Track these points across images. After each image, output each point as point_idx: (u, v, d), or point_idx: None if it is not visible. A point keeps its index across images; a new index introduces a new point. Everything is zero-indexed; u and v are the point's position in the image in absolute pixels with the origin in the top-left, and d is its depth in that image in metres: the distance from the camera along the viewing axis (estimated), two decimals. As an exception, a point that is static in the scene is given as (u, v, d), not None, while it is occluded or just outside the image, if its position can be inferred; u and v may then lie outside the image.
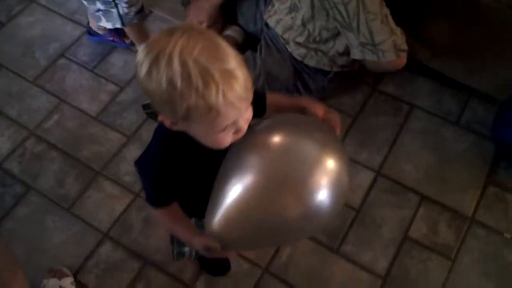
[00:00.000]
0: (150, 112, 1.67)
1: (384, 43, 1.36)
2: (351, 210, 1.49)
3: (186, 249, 1.16)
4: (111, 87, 1.77)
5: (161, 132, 0.82)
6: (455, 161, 1.59)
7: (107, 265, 1.41)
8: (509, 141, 1.49)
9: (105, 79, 1.79)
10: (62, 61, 1.83)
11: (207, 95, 0.67)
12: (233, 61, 0.69)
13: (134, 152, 1.61)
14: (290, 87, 1.61)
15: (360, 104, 1.71)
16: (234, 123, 0.73)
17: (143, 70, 0.70)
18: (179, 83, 0.66)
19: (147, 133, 1.65)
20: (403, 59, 1.42)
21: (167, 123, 0.75)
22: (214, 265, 1.40)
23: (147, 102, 1.66)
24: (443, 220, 1.48)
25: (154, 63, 0.68)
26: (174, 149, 0.81)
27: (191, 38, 0.68)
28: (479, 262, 1.41)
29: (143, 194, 1.53)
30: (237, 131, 0.75)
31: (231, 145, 0.78)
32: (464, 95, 1.72)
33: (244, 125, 0.75)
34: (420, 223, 1.48)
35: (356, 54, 1.43)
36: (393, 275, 1.39)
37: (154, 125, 1.62)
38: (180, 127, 0.75)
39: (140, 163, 0.86)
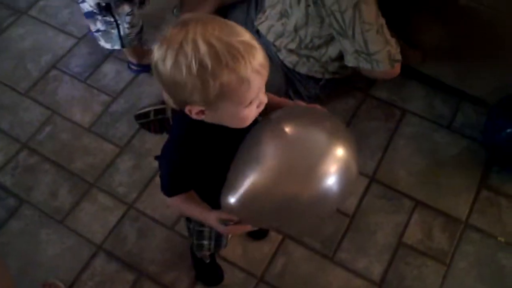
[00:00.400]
0: (143, 122, 1.67)
1: (378, 53, 1.36)
2: (345, 217, 1.49)
3: (205, 242, 1.16)
4: (104, 97, 1.76)
5: (180, 124, 0.86)
6: (448, 166, 1.60)
7: (101, 278, 1.40)
8: (500, 146, 1.49)
9: (98, 89, 1.78)
10: (54, 72, 1.83)
11: (238, 68, 0.72)
12: (247, 34, 0.75)
13: (127, 162, 1.61)
14: (282, 95, 1.61)
15: (352, 110, 1.71)
16: (257, 95, 0.78)
17: (168, 64, 0.73)
18: (209, 63, 0.71)
19: (140, 143, 1.65)
20: (396, 69, 1.42)
21: (195, 112, 0.78)
22: (209, 275, 1.39)
23: (139, 112, 1.67)
24: (437, 225, 1.48)
25: (180, 52, 0.72)
26: (194, 139, 0.85)
27: (206, 22, 0.73)
28: (474, 266, 1.41)
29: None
30: (259, 104, 0.80)
31: (247, 130, 0.84)
32: (455, 99, 1.73)
33: (264, 97, 0.81)
34: (414, 228, 1.48)
35: (350, 61, 1.44)
36: (388, 281, 1.39)
37: (147, 135, 1.65)
38: (207, 115, 0.79)
39: (160, 156, 0.90)
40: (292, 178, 0.80)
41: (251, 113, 0.80)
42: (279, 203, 0.81)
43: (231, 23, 0.76)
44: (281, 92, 1.61)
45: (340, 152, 0.82)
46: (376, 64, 1.38)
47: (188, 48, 0.71)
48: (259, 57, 0.74)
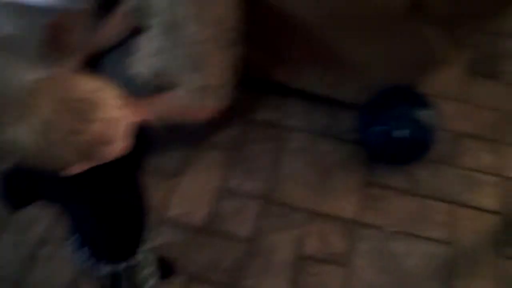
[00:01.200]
0: None
1: (215, 86, 1.39)
2: (244, 243, 1.51)
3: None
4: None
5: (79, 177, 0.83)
6: (335, 171, 1.68)
7: None
8: (371, 143, 1.60)
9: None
10: None
11: (84, 130, 0.74)
12: (88, 93, 0.75)
13: None
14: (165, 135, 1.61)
15: (236, 135, 1.75)
16: (121, 135, 0.81)
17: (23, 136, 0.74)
18: (55, 135, 0.73)
19: None
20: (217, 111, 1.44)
21: (71, 171, 0.80)
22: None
23: None
24: (332, 230, 1.54)
25: (28, 123, 0.73)
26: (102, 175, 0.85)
27: (49, 92, 0.74)
28: (372, 261, 1.48)
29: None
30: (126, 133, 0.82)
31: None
32: (333, 108, 1.82)
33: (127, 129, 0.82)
34: (312, 239, 1.52)
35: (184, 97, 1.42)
36: (295, 296, 1.41)
37: None
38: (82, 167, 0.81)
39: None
40: None
41: (120, 145, 0.82)
42: None
43: (78, 80, 0.77)
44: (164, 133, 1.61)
45: None
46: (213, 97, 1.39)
47: (36, 121, 0.73)
48: (105, 110, 0.76)
